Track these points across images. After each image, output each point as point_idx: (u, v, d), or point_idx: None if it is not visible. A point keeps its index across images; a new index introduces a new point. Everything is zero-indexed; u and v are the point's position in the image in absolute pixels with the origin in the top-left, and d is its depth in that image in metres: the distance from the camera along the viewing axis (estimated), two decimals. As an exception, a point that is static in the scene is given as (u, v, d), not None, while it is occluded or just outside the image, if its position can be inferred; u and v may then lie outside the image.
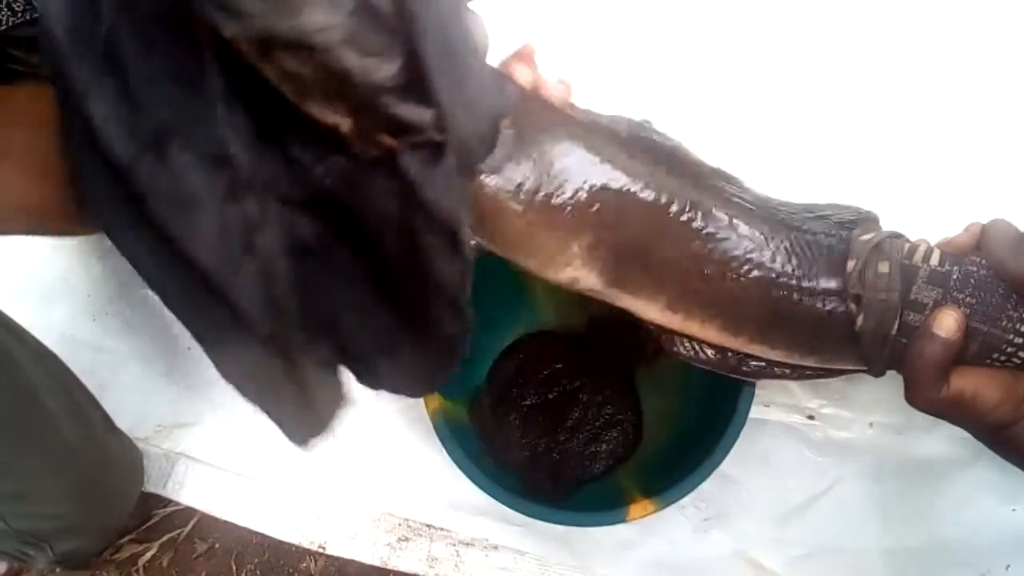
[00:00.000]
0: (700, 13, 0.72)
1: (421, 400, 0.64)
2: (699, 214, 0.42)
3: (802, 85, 0.71)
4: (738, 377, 0.47)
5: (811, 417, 0.68)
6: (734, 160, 0.46)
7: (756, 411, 0.69)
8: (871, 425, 0.67)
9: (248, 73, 0.29)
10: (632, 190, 0.41)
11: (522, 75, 0.41)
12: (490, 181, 0.39)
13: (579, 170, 0.40)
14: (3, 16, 0.68)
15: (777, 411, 0.69)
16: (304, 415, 0.38)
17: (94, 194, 0.32)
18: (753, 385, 0.60)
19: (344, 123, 0.32)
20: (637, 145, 0.43)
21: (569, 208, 0.40)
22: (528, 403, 0.72)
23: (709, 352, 0.46)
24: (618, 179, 0.41)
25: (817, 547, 0.65)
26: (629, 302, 0.44)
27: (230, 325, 0.33)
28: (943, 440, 0.66)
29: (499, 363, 0.74)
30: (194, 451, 0.76)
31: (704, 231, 0.42)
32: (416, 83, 0.31)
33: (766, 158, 0.63)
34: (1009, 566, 0.62)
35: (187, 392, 0.77)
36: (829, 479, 0.67)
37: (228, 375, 0.35)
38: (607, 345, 0.73)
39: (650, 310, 0.44)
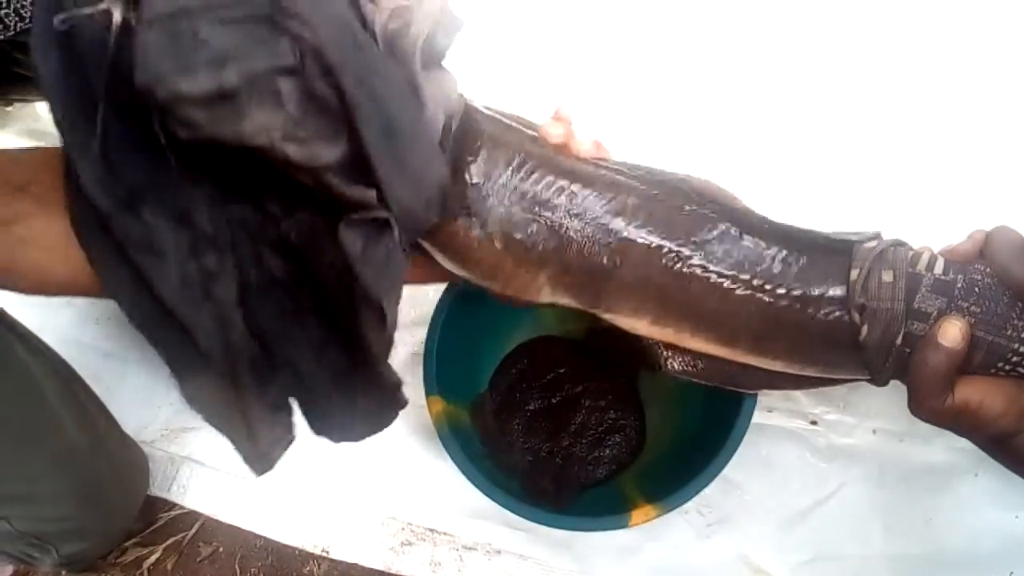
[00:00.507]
0: (699, 27, 0.73)
1: (424, 405, 0.64)
2: (673, 233, 0.42)
3: (805, 96, 0.71)
4: (738, 389, 0.47)
5: (814, 423, 0.68)
6: (736, 173, 0.47)
7: (759, 416, 0.69)
8: (874, 432, 0.67)
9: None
10: (599, 222, 0.42)
11: (555, 131, 0.43)
12: (461, 222, 0.41)
13: (542, 210, 0.42)
14: (11, 21, 0.68)
15: (780, 416, 0.69)
16: (251, 449, 0.41)
17: (88, 240, 0.36)
18: (755, 395, 0.60)
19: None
20: (614, 178, 0.44)
21: (529, 244, 0.42)
22: (531, 408, 0.72)
23: (705, 364, 0.46)
24: (580, 212, 0.42)
25: (820, 553, 0.65)
26: (614, 319, 0.45)
27: (197, 359, 0.37)
28: (945, 448, 0.66)
29: (502, 368, 0.74)
30: (199, 455, 0.76)
31: (680, 248, 0.42)
32: (359, 164, 0.34)
33: (769, 167, 0.63)
34: (1012, 573, 0.62)
35: (192, 395, 0.77)
36: (832, 485, 0.67)
37: (190, 400, 0.38)
38: (609, 351, 0.73)
39: (638, 325, 0.45)
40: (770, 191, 0.46)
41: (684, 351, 0.46)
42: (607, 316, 0.45)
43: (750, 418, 0.60)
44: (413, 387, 0.71)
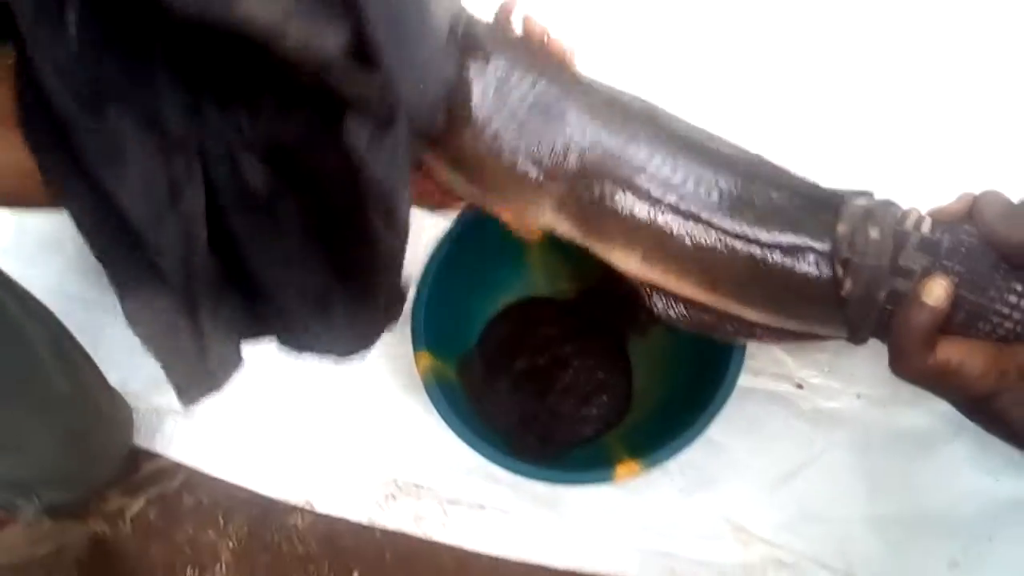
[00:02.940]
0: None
1: (411, 361, 0.64)
2: (675, 168, 0.42)
3: (796, 55, 0.71)
4: (717, 337, 0.47)
5: (799, 386, 0.69)
6: (727, 129, 0.46)
7: (745, 379, 0.69)
8: (858, 396, 0.68)
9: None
10: (606, 147, 0.42)
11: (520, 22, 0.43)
12: (466, 129, 0.40)
13: (553, 125, 0.41)
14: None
15: (766, 380, 0.69)
16: (197, 371, 0.40)
17: (40, 149, 0.34)
18: (742, 351, 0.60)
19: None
20: (623, 108, 0.43)
21: (540, 160, 0.41)
22: (518, 366, 0.72)
23: (688, 310, 0.46)
24: (590, 135, 0.42)
25: (802, 514, 0.66)
26: (607, 253, 0.45)
27: (146, 275, 0.35)
28: (928, 413, 0.67)
29: (490, 327, 0.74)
30: (184, 408, 0.76)
31: (678, 185, 0.42)
32: (363, 56, 0.32)
33: (759, 128, 0.63)
34: (992, 537, 0.63)
35: (178, 349, 0.77)
36: (816, 448, 0.67)
37: (133, 321, 0.37)
38: (598, 312, 0.73)
39: (629, 262, 0.44)
40: (763, 145, 0.46)
41: (671, 296, 0.46)
42: (600, 248, 0.44)
43: (736, 380, 0.60)
44: (400, 343, 0.71)
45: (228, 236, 0.36)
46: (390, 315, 0.42)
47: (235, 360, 0.42)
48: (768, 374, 0.69)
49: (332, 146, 0.34)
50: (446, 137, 0.41)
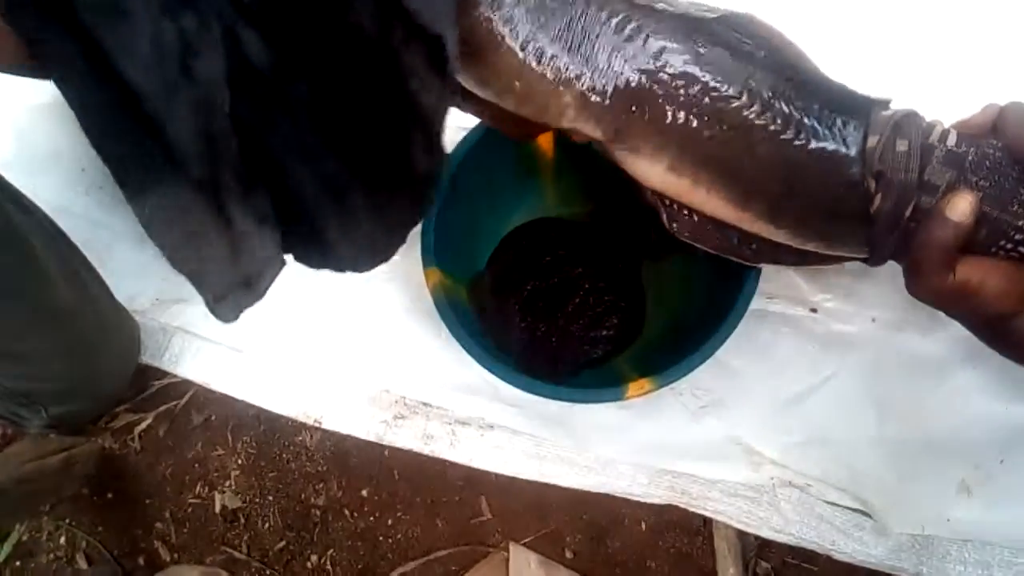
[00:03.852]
0: None
1: (422, 279, 0.63)
2: (710, 68, 0.40)
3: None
4: (736, 259, 0.46)
5: (814, 310, 0.68)
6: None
7: (759, 303, 0.68)
8: (873, 320, 0.67)
9: None
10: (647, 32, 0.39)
11: None
12: (485, 16, 0.37)
13: (579, 15, 0.38)
14: None
15: (780, 304, 0.68)
16: (232, 276, 0.35)
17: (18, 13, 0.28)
18: (756, 275, 0.59)
19: None
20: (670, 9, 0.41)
21: (561, 53, 0.38)
22: (529, 287, 0.71)
23: (710, 229, 0.45)
24: (610, 28, 0.39)
25: (812, 436, 0.66)
26: (632, 161, 0.42)
27: (160, 164, 0.30)
28: (943, 338, 0.66)
29: (501, 247, 0.73)
30: (191, 326, 0.75)
31: (713, 87, 0.40)
32: None
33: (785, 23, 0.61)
34: (1003, 460, 0.63)
35: (184, 268, 0.76)
36: (828, 371, 0.67)
37: (152, 228, 0.31)
38: (611, 235, 0.72)
39: (653, 171, 0.42)
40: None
41: (694, 212, 0.44)
42: (624, 156, 0.42)
43: (749, 302, 0.59)
44: (412, 265, 0.70)
45: (237, 120, 0.31)
46: (423, 200, 0.38)
47: (274, 260, 0.36)
48: (782, 298, 0.68)
49: (370, 54, 0.30)
50: (462, 31, 0.38)
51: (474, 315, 0.67)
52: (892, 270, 0.68)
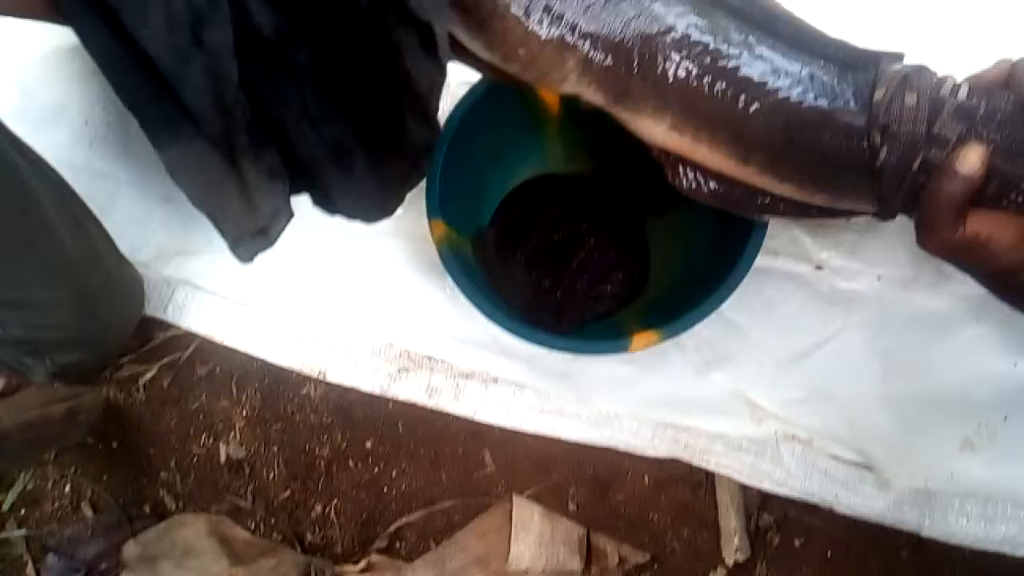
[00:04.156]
0: None
1: (426, 234, 0.63)
2: (709, 28, 0.39)
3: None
4: (741, 213, 0.46)
5: (819, 267, 0.68)
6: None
7: (764, 260, 0.68)
8: (879, 278, 0.67)
9: None
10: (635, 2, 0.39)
11: None
12: None
13: None
14: None
15: (785, 260, 0.68)
16: (247, 223, 0.38)
17: None
18: (762, 230, 0.59)
19: None
20: None
21: (563, 17, 0.38)
22: (534, 243, 0.71)
23: (714, 184, 0.45)
24: None
25: (815, 392, 0.66)
26: (634, 121, 0.42)
27: (180, 122, 0.33)
28: (949, 295, 0.66)
29: (506, 203, 0.73)
30: (195, 279, 0.75)
31: (714, 47, 0.40)
32: None
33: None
34: (1007, 417, 0.63)
35: (188, 221, 0.76)
36: (832, 328, 0.67)
37: (176, 175, 0.34)
38: (616, 190, 0.72)
39: (656, 130, 0.42)
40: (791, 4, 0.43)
41: (697, 168, 0.44)
42: (626, 116, 0.42)
43: (755, 256, 0.59)
44: (415, 219, 0.70)
45: (246, 83, 0.34)
46: (418, 168, 0.40)
47: (285, 210, 0.39)
48: (787, 255, 0.68)
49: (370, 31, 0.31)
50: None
51: (479, 269, 0.66)
52: (899, 226, 0.68)
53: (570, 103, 0.70)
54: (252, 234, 0.39)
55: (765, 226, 0.60)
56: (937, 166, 0.38)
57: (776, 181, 0.43)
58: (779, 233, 0.68)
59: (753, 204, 0.45)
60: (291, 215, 0.40)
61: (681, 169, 0.45)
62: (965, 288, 0.65)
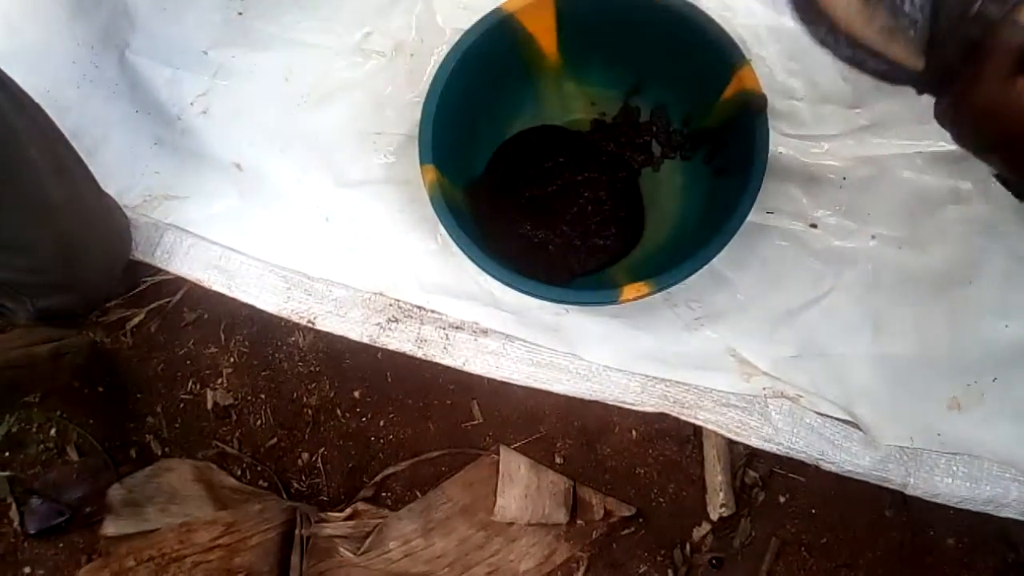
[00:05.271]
0: None
1: (419, 182, 0.62)
2: None
3: None
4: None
5: (814, 226, 0.67)
6: None
7: (759, 217, 0.67)
8: (873, 237, 0.66)
9: None
10: None
11: None
12: None
13: None
14: None
15: (780, 218, 0.68)
16: None
17: None
18: (757, 185, 0.58)
19: None
20: None
21: None
22: (527, 194, 0.70)
23: None
24: None
25: (806, 350, 0.66)
26: None
27: None
28: (942, 256, 0.65)
29: (500, 152, 0.72)
30: (185, 223, 0.74)
31: None
32: None
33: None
34: (996, 378, 0.63)
35: (178, 166, 0.75)
36: (825, 286, 0.66)
37: None
38: (611, 145, 0.71)
39: None
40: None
41: None
42: None
43: (748, 212, 0.59)
44: (407, 167, 0.69)
45: None
46: None
47: None
48: (782, 212, 0.67)
49: None
50: None
51: (471, 220, 0.66)
52: (894, 186, 0.67)
53: (568, 52, 0.69)
54: None
55: (759, 183, 0.59)
56: (995, 22, 0.38)
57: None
58: (775, 191, 0.67)
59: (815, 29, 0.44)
60: None
61: None
62: (958, 250, 0.65)
